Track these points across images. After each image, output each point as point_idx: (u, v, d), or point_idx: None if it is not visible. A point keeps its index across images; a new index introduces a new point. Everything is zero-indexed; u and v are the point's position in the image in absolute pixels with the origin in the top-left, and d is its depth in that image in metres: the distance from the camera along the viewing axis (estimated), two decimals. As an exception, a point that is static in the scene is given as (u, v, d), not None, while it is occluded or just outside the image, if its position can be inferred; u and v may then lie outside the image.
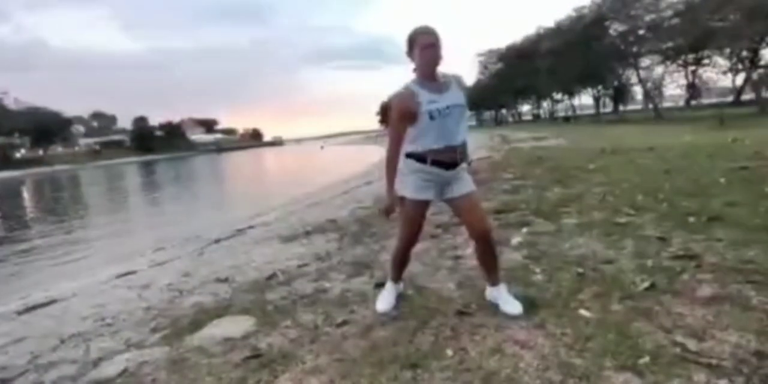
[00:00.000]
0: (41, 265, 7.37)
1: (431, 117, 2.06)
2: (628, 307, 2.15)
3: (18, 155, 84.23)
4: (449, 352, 1.92)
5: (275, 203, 10.62)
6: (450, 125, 2.10)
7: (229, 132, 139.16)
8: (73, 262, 7.27)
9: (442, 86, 2.13)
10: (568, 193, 5.19)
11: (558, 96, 54.90)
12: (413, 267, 3.09)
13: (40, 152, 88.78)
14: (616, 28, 34.56)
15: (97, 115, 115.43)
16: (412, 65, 2.16)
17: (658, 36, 29.98)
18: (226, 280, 3.60)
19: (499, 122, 71.73)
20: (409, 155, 2.18)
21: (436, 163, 2.13)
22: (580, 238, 3.38)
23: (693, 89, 39.16)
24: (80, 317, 3.26)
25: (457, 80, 2.21)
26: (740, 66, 29.71)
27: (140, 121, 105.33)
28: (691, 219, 3.50)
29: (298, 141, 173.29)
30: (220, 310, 2.82)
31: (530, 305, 2.25)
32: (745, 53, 28.21)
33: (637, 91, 44.62)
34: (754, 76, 29.33)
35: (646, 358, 1.70)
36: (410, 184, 2.19)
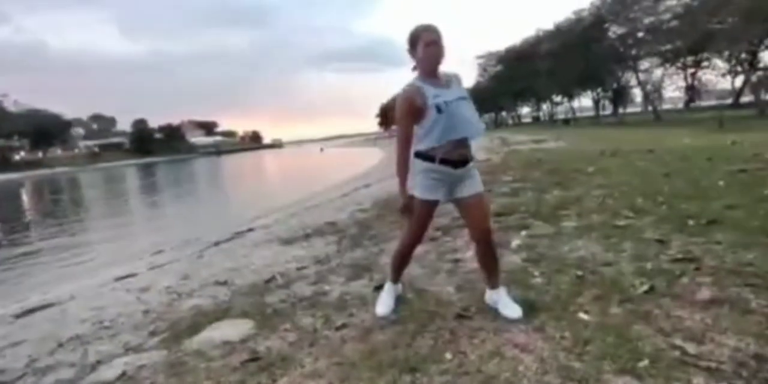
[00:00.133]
0: (40, 267, 7.37)
1: (439, 110, 2.06)
2: (627, 310, 2.14)
3: (17, 157, 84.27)
4: (448, 356, 1.91)
5: (275, 206, 10.62)
6: (461, 115, 2.10)
7: (229, 134, 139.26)
8: (72, 264, 7.26)
9: (444, 82, 2.16)
10: (568, 196, 5.19)
11: (557, 98, 54.97)
12: (412, 270, 3.09)
13: (40, 154, 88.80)
14: (615, 30, 34.68)
15: (97, 118, 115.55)
16: (412, 63, 2.18)
17: (657, 38, 30.10)
18: (225, 283, 3.60)
19: (498, 124, 71.80)
20: (417, 154, 2.18)
21: (444, 161, 2.12)
22: (580, 240, 3.37)
23: (692, 91, 39.25)
24: (78, 320, 3.26)
25: (456, 78, 2.23)
26: (739, 68, 29.80)
27: (140, 124, 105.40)
28: (691, 222, 3.50)
29: (298, 143, 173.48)
30: (219, 314, 2.82)
31: (529, 308, 2.25)
32: (743, 56, 28.31)
33: (637, 94, 44.77)
34: (753, 78, 29.39)
35: (646, 362, 1.70)
36: (419, 183, 2.19)
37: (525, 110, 74.62)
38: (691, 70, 37.07)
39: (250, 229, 6.78)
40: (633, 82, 39.62)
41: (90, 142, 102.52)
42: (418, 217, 2.26)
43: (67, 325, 3.20)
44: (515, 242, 3.52)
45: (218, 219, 10.59)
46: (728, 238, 3.03)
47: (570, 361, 1.76)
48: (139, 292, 3.84)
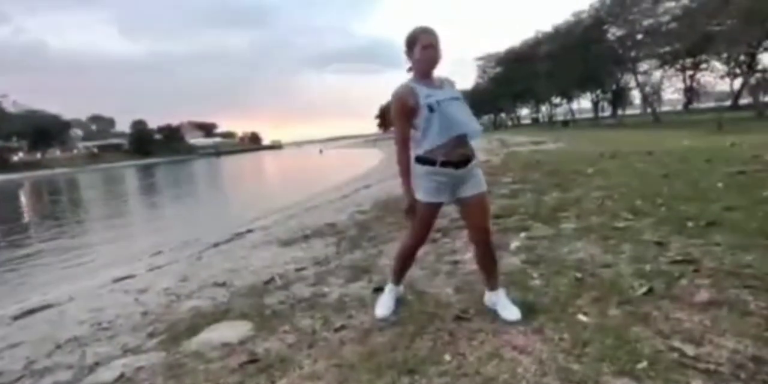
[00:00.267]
0: (38, 268, 7.36)
1: (431, 109, 2.07)
2: (626, 312, 2.14)
3: (16, 158, 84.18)
4: (447, 358, 1.91)
5: (274, 207, 10.62)
6: (453, 114, 2.10)
7: (228, 136, 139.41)
8: (71, 266, 7.25)
9: (438, 84, 2.19)
10: (567, 198, 5.20)
11: (556, 100, 55.09)
12: (412, 271, 3.08)
13: (38, 155, 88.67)
14: (614, 32, 34.81)
15: (96, 119, 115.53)
16: (408, 65, 2.20)
17: (655, 40, 30.21)
18: (224, 284, 3.59)
19: (497, 126, 71.87)
20: (417, 159, 2.18)
21: (445, 164, 2.12)
22: (579, 242, 3.38)
23: (690, 93, 39.35)
24: (77, 322, 3.25)
25: (449, 82, 2.26)
26: (738, 70, 29.88)
27: (139, 125, 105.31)
28: (690, 224, 3.50)
29: (298, 145, 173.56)
30: (218, 315, 2.81)
31: (528, 310, 2.24)
32: (742, 58, 28.39)
33: (636, 96, 44.93)
34: (752, 80, 29.51)
35: (644, 364, 1.69)
36: (422, 187, 2.19)
37: (524, 112, 74.79)
38: (689, 72, 37.18)
39: (249, 231, 6.78)
40: (632, 83, 39.83)
41: (89, 143, 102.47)
42: (421, 219, 2.26)
43: (66, 326, 3.20)
44: (514, 244, 3.52)
45: (217, 220, 10.58)
46: (727, 239, 3.03)
47: (569, 362, 1.76)
48: (138, 293, 3.83)
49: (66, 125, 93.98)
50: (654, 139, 14.13)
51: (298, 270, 3.66)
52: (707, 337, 1.84)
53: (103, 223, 12.68)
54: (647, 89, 38.52)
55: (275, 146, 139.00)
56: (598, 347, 1.85)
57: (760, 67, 29.66)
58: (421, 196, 2.20)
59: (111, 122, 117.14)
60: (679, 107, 45.80)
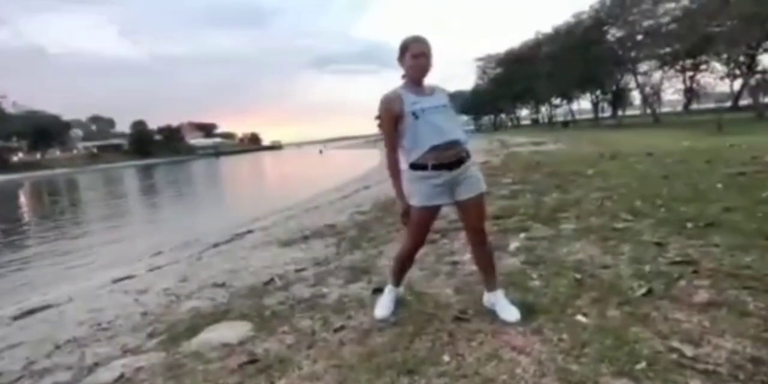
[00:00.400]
0: (38, 269, 7.36)
1: (415, 116, 2.10)
2: (625, 312, 2.14)
3: (16, 159, 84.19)
4: (446, 358, 1.91)
5: (273, 208, 10.62)
6: (437, 122, 2.12)
7: (228, 136, 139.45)
8: (70, 266, 7.25)
9: (427, 92, 2.21)
10: (567, 199, 5.20)
11: (556, 101, 55.10)
12: (411, 272, 3.08)
13: (38, 156, 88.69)
14: (614, 33, 34.82)
15: (96, 119, 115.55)
16: (402, 71, 2.23)
17: (655, 41, 30.21)
18: (223, 285, 3.60)
19: (497, 127, 71.91)
20: (411, 166, 2.19)
21: (437, 166, 2.13)
22: (578, 243, 3.38)
23: (690, 94, 39.37)
24: (76, 322, 3.25)
25: (441, 90, 2.29)
26: (737, 71, 29.89)
27: (139, 125, 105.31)
28: (689, 224, 3.50)
29: (298, 145, 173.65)
30: (218, 315, 2.81)
31: (527, 311, 2.25)
32: (742, 59, 28.40)
33: (636, 96, 44.92)
34: (752, 81, 29.53)
35: (643, 364, 1.70)
36: (417, 192, 2.18)
37: (524, 112, 74.82)
38: (689, 73, 37.17)
39: (249, 231, 6.78)
40: (632, 84, 39.81)
41: (89, 144, 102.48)
42: (418, 223, 2.25)
43: (65, 327, 3.20)
44: (514, 245, 3.53)
45: (217, 221, 10.58)
46: (726, 240, 3.04)
47: (568, 363, 1.77)
48: (138, 293, 3.84)
49: (66, 126, 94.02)
50: (654, 140, 14.14)
51: (297, 271, 3.66)
52: (706, 338, 1.85)
53: (102, 224, 12.68)
54: (647, 90, 38.55)
55: (275, 147, 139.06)
56: (597, 348, 1.85)
57: (759, 68, 29.68)
58: (416, 200, 2.19)
59: (111, 123, 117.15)
60: (679, 108, 45.81)
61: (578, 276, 2.68)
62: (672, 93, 42.87)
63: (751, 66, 28.93)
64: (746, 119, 21.90)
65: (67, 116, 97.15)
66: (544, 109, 64.21)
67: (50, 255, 8.46)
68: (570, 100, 51.28)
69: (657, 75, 38.23)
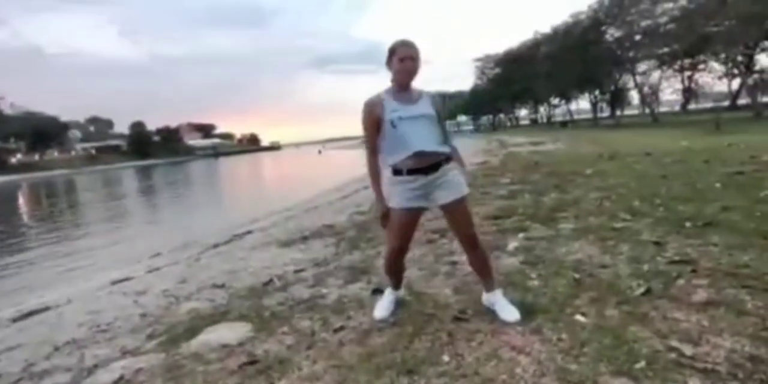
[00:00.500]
0: (37, 271, 7.34)
1: (393, 125, 2.12)
2: (624, 312, 2.15)
3: (14, 160, 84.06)
4: (446, 358, 1.91)
5: (273, 208, 10.61)
6: (415, 134, 2.12)
7: (227, 137, 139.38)
8: (69, 268, 7.23)
9: (412, 98, 2.19)
10: (565, 199, 5.21)
11: (555, 101, 55.18)
12: (410, 272, 3.10)
13: (36, 157, 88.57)
14: (612, 33, 34.86)
15: (94, 120, 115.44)
16: (390, 75, 2.22)
17: (654, 41, 30.24)
18: (222, 285, 3.59)
19: (496, 127, 71.98)
20: (391, 169, 2.22)
21: (412, 171, 2.16)
22: (577, 243, 3.38)
23: (689, 94, 39.43)
24: (75, 324, 3.25)
25: (434, 98, 2.25)
26: (735, 71, 29.95)
27: (137, 126, 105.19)
28: (687, 224, 3.51)
29: (297, 146, 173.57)
30: (217, 316, 2.81)
31: (526, 311, 2.25)
32: (740, 58, 28.45)
33: (634, 96, 45.00)
34: (750, 81, 29.58)
35: (642, 363, 1.70)
36: (396, 194, 2.21)
37: (523, 112, 74.93)
38: (688, 73, 37.26)
39: (248, 232, 6.78)
40: (630, 84, 39.87)
41: (87, 145, 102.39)
42: (398, 226, 2.25)
43: (64, 328, 3.20)
44: (513, 245, 3.53)
45: (216, 221, 10.57)
46: (724, 240, 3.05)
47: (567, 363, 1.77)
48: (137, 295, 3.83)
49: (64, 127, 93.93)
50: (652, 140, 14.16)
51: (296, 271, 3.66)
52: (705, 337, 1.85)
53: (101, 225, 12.66)
54: (645, 90, 38.63)
55: (274, 147, 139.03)
56: (596, 347, 1.85)
57: (757, 67, 29.77)
58: (395, 203, 2.21)
59: (109, 124, 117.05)
60: (677, 108, 45.88)
61: (577, 276, 2.68)
62: (670, 93, 43.00)
63: (749, 65, 28.99)
64: (744, 118, 21.94)
65: (65, 117, 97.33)
66: (542, 109, 64.33)
67: (49, 257, 8.44)
68: (569, 100, 51.38)
69: (655, 75, 38.41)
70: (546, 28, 44.86)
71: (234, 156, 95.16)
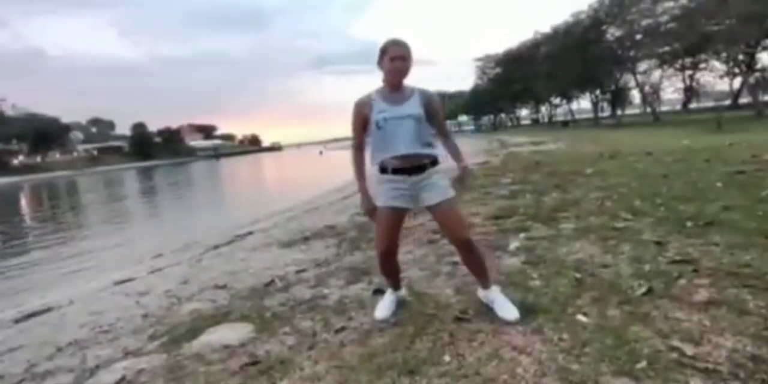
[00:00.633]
0: (39, 272, 7.36)
1: (378, 126, 2.15)
2: (625, 312, 2.15)
3: (16, 161, 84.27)
4: (447, 358, 1.92)
5: (274, 209, 10.62)
6: (398, 135, 2.14)
7: (228, 138, 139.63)
8: (71, 269, 7.25)
9: (402, 98, 2.19)
10: (566, 198, 5.20)
11: (556, 100, 55.11)
12: (412, 273, 3.10)
13: (38, 158, 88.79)
14: (613, 32, 34.80)
15: (96, 121, 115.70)
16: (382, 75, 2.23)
17: (654, 40, 30.17)
18: (224, 286, 3.60)
19: (497, 127, 71.94)
20: (377, 166, 2.25)
21: (397, 171, 2.18)
22: (578, 243, 3.38)
23: (689, 93, 39.36)
24: (77, 325, 3.26)
25: (425, 95, 2.23)
26: (737, 70, 29.87)
27: (139, 127, 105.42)
28: (689, 223, 3.51)
29: (298, 146, 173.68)
30: (219, 317, 2.82)
31: (528, 310, 2.25)
32: (741, 57, 28.38)
33: (635, 96, 44.89)
34: (751, 80, 29.51)
35: (643, 363, 1.70)
36: (381, 193, 2.24)
37: (524, 112, 74.84)
38: (689, 72, 37.18)
39: (250, 233, 6.78)
40: (631, 83, 39.78)
41: (89, 146, 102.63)
42: (384, 224, 2.26)
43: (66, 329, 3.20)
44: (514, 244, 3.53)
45: (217, 222, 10.58)
46: (726, 239, 3.04)
47: (568, 362, 1.77)
48: (139, 296, 3.84)
49: (66, 128, 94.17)
50: (653, 139, 14.14)
51: (298, 272, 3.66)
52: (706, 337, 1.85)
53: (103, 226, 12.70)
54: (647, 89, 38.54)
55: (275, 148, 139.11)
56: (597, 347, 1.85)
57: (759, 66, 29.70)
58: (381, 201, 2.24)
59: (111, 125, 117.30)
60: (678, 107, 45.80)
61: (578, 275, 2.68)
62: (672, 92, 42.89)
63: (750, 64, 28.93)
64: (746, 117, 21.90)
65: (66, 119, 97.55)
66: (543, 109, 64.25)
67: (50, 258, 8.46)
68: (570, 99, 51.29)
69: (656, 74, 38.23)
70: (546, 28, 44.87)
71: (235, 157, 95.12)
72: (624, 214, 4.07)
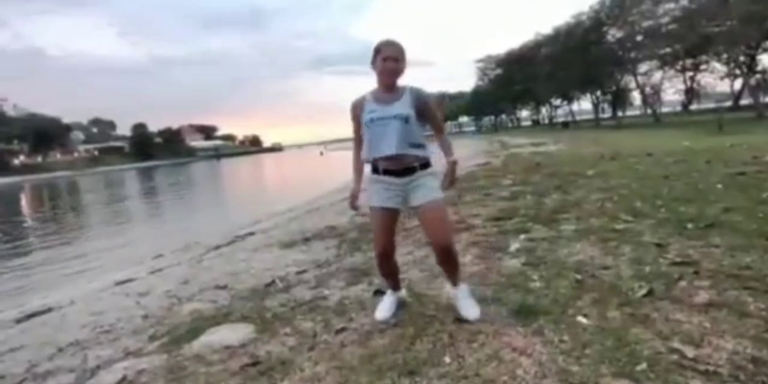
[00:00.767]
0: (40, 272, 7.36)
1: (368, 126, 2.18)
2: (625, 313, 2.15)
3: (16, 162, 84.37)
4: (447, 359, 1.92)
5: (275, 209, 10.62)
6: (385, 136, 2.14)
7: (229, 138, 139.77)
8: (72, 269, 7.26)
9: (392, 98, 2.19)
10: (567, 200, 5.20)
11: (557, 101, 55.13)
12: (412, 274, 3.11)
13: (39, 159, 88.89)
14: (613, 34, 34.82)
15: (97, 122, 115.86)
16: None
17: (655, 42, 30.17)
18: (225, 287, 3.60)
19: (497, 128, 71.95)
20: (370, 165, 2.28)
21: (387, 172, 2.21)
22: (579, 244, 3.38)
23: (690, 94, 39.33)
24: (78, 325, 3.26)
25: (416, 94, 2.20)
26: (738, 71, 29.86)
27: (139, 128, 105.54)
28: (689, 225, 3.51)
29: (299, 146, 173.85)
30: (219, 318, 2.82)
31: (528, 312, 2.25)
32: (742, 59, 28.37)
33: (636, 97, 44.83)
34: (752, 81, 29.50)
35: (644, 365, 1.70)
36: (374, 193, 2.27)
37: (524, 113, 74.88)
38: (690, 73, 37.15)
39: (250, 233, 6.79)
40: (632, 85, 39.75)
41: (90, 146, 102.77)
42: (378, 227, 2.28)
43: (67, 329, 3.21)
44: (514, 246, 3.53)
45: (218, 223, 10.59)
46: (727, 241, 3.04)
47: (568, 364, 1.77)
48: (139, 296, 3.84)
49: (66, 128, 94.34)
50: (654, 141, 14.14)
51: (298, 273, 3.67)
52: (707, 339, 1.85)
53: (103, 227, 12.71)
54: (647, 90, 38.52)
55: (275, 148, 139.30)
56: (597, 349, 1.85)
57: (759, 67, 29.68)
58: (373, 202, 2.26)
59: (112, 125, 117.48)
60: (679, 108, 45.75)
61: (579, 277, 2.68)
62: (672, 93, 42.84)
63: (751, 66, 28.89)
64: (747, 119, 21.89)
65: (67, 119, 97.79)
66: (544, 110, 64.26)
67: (51, 258, 8.47)
68: (570, 100, 51.30)
69: (657, 75, 38.17)
70: (547, 29, 44.87)
71: (236, 157, 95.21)
72: (624, 215, 4.07)
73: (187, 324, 2.82)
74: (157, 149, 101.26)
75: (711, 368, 1.65)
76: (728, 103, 35.63)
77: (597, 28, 35.08)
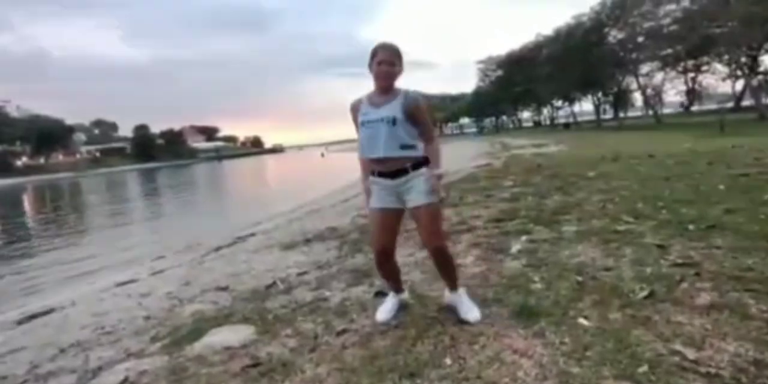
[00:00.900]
0: (41, 273, 7.37)
1: (361, 128, 2.22)
2: (627, 315, 2.15)
3: (19, 163, 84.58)
4: (448, 361, 1.92)
5: (276, 210, 10.63)
6: (375, 138, 2.16)
7: (230, 140, 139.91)
8: (73, 270, 7.27)
9: (385, 101, 2.20)
10: (568, 201, 5.20)
11: (558, 103, 55.11)
12: (413, 275, 3.11)
13: (42, 160, 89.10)
14: (614, 35, 34.82)
15: (99, 123, 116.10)
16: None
17: (657, 43, 30.15)
18: (226, 288, 3.60)
19: (499, 129, 71.94)
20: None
21: (381, 174, 2.23)
22: (580, 245, 3.38)
23: (692, 95, 39.30)
24: (80, 326, 3.27)
25: (409, 98, 2.18)
26: (739, 72, 29.83)
27: (141, 129, 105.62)
28: (691, 227, 3.50)
29: (300, 148, 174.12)
30: (220, 319, 2.82)
31: (529, 314, 2.25)
32: (744, 60, 28.34)
33: (637, 98, 44.80)
34: (754, 82, 29.45)
35: (645, 367, 1.70)
36: (373, 194, 2.30)
37: (526, 114, 74.86)
38: (691, 74, 37.13)
39: (252, 234, 6.79)
40: (633, 86, 39.74)
41: (92, 147, 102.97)
42: (377, 228, 2.30)
43: (69, 330, 3.21)
44: (515, 247, 3.52)
45: (219, 224, 10.60)
46: (728, 242, 3.04)
47: (569, 366, 1.77)
48: (141, 297, 3.85)
49: (69, 130, 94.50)
50: (655, 142, 14.12)
51: (299, 274, 3.67)
52: (708, 341, 1.85)
53: (105, 228, 12.72)
54: (649, 91, 38.50)
55: (276, 150, 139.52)
56: (598, 351, 1.85)
57: (761, 69, 29.64)
58: (372, 203, 2.30)
59: (114, 126, 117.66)
60: (680, 109, 45.72)
61: (580, 279, 2.68)
62: (674, 94, 42.84)
63: (752, 67, 28.86)
64: (749, 120, 21.86)
65: (70, 120, 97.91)
66: (545, 111, 64.24)
67: (53, 259, 8.48)
68: (572, 101, 51.26)
69: (659, 76, 38.18)
70: (548, 30, 44.85)
71: (237, 159, 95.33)
72: (626, 217, 4.07)
73: (188, 325, 2.82)
74: (159, 150, 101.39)
75: (712, 370, 1.64)
76: (730, 105, 35.60)
77: (598, 29, 35.09)
